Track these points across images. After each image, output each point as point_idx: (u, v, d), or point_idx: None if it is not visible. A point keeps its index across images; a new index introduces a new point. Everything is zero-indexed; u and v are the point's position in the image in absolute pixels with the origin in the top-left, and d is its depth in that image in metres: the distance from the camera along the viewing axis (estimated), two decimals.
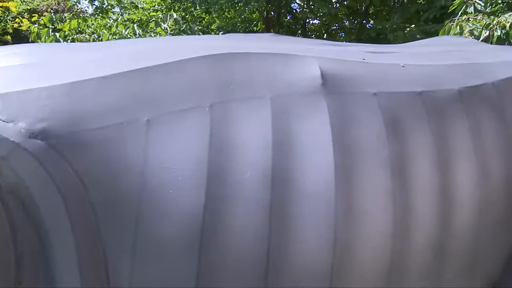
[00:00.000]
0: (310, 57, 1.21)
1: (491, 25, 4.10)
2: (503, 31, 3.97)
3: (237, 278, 0.96)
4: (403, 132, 1.14)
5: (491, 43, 3.47)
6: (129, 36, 5.12)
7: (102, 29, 6.62)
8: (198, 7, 7.71)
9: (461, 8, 4.72)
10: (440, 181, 1.14)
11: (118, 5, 6.93)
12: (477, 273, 1.25)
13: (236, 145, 1.02)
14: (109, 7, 6.63)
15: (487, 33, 4.01)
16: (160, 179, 0.97)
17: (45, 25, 5.44)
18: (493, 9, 4.79)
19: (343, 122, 1.09)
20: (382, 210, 1.05)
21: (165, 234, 0.95)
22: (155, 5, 7.67)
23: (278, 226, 0.98)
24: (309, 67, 1.16)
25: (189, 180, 0.98)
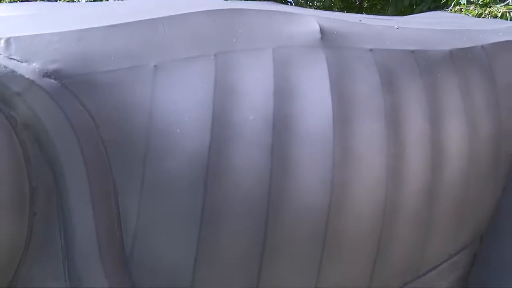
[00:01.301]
0: (309, 15, 1.26)
1: (483, 15, 4.19)
2: None
3: (240, 214, 1.01)
4: (397, 85, 1.20)
5: None
6: None
7: None
8: None
9: (454, 0, 4.81)
10: (431, 133, 1.20)
11: None
12: (465, 223, 1.32)
13: (239, 90, 1.07)
14: None
15: None
16: (167, 119, 1.02)
17: None
18: (485, 1, 4.89)
19: (340, 73, 1.14)
20: (376, 155, 1.11)
21: (171, 171, 1.00)
22: None
23: (278, 166, 1.03)
24: (308, 23, 1.21)
25: (194, 121, 1.03)
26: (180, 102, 1.04)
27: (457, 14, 2.68)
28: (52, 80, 0.98)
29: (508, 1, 4.53)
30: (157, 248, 1.00)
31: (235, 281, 1.03)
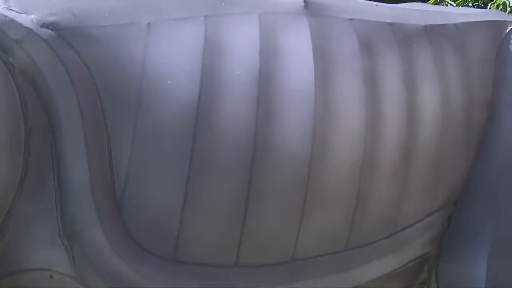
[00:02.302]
0: None
1: None
2: None
3: (226, 158, 1.07)
4: (374, 52, 1.28)
5: None
6: None
7: None
8: None
9: None
10: (406, 95, 1.29)
11: None
12: (440, 184, 1.39)
13: (227, 48, 1.14)
14: None
15: None
16: (159, 71, 1.08)
17: None
18: None
19: (322, 37, 1.22)
20: (355, 111, 1.19)
21: (163, 119, 1.06)
22: None
23: (263, 116, 1.09)
24: None
25: (185, 74, 1.09)
26: (172, 56, 1.10)
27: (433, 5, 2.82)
28: (50, 31, 1.03)
29: None
30: (147, 191, 1.05)
31: (222, 223, 1.08)
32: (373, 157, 1.21)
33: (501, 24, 1.60)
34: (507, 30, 1.60)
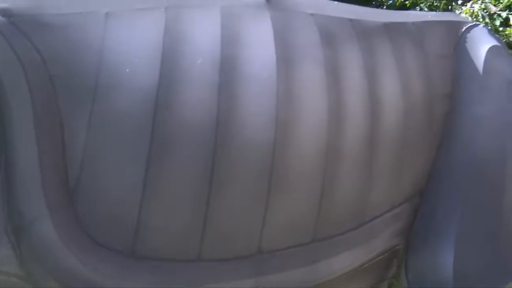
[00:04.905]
0: None
1: None
2: None
3: (188, 145, 1.04)
4: (335, 43, 1.30)
5: None
6: None
7: None
8: None
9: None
10: (368, 85, 1.30)
11: None
12: (405, 174, 1.39)
13: (188, 37, 1.12)
14: None
15: None
16: (117, 59, 1.05)
17: None
18: None
19: (283, 28, 1.23)
20: (318, 98, 1.19)
21: (120, 107, 1.02)
22: None
23: (225, 102, 1.08)
24: None
25: (144, 61, 1.06)
26: (131, 44, 1.07)
27: None
28: (1, 17, 0.99)
29: None
30: (103, 182, 1.00)
31: (183, 215, 1.03)
32: (337, 145, 1.20)
33: (457, 24, 1.67)
34: (463, 30, 1.67)
